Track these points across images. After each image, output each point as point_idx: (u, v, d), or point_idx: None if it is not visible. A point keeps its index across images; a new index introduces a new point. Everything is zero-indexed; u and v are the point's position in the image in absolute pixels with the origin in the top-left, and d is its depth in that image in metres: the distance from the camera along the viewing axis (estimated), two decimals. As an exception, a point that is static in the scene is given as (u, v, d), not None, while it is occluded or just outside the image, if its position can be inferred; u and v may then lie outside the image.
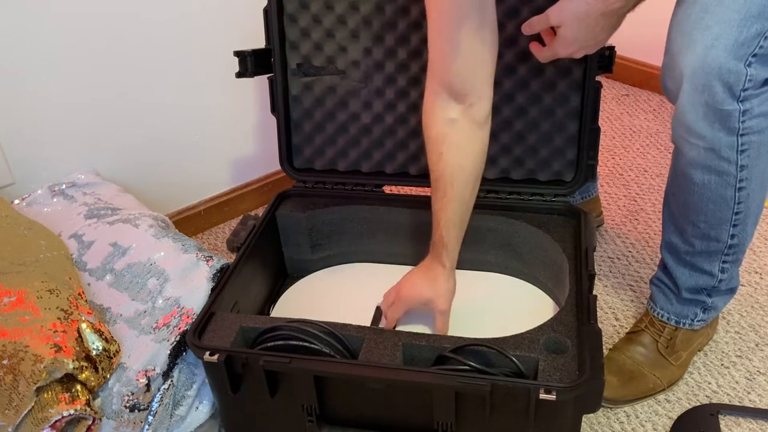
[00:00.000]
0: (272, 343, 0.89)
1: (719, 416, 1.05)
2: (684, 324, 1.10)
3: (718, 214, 0.96)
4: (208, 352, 0.86)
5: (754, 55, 0.83)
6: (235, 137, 1.55)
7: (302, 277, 1.26)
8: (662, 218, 1.07)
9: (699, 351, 1.17)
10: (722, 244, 0.99)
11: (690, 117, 0.88)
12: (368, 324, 1.07)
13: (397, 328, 1.05)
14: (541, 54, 1.01)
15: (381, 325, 1.07)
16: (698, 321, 1.09)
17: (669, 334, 1.10)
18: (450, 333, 1.03)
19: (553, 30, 0.97)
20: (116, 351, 0.92)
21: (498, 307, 1.13)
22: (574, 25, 0.92)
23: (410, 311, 1.06)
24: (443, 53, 0.91)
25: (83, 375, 0.86)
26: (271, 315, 1.14)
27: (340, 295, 1.19)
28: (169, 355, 0.92)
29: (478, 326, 1.05)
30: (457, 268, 1.14)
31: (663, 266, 1.09)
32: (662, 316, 1.11)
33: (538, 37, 1.02)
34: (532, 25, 0.98)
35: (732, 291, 1.09)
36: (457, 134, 0.94)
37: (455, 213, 0.98)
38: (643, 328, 1.13)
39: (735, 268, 1.04)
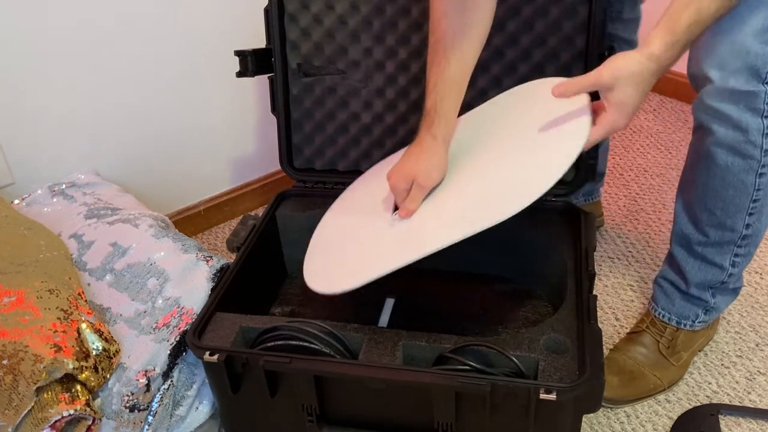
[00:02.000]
0: (272, 343, 0.89)
1: (719, 416, 1.05)
2: (685, 325, 1.10)
3: (736, 201, 0.96)
4: (208, 352, 0.86)
5: None
6: (235, 137, 1.55)
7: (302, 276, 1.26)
8: (674, 211, 1.06)
9: (699, 351, 1.17)
10: (736, 234, 0.99)
11: (716, 101, 0.89)
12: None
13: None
14: (594, 136, 0.86)
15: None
16: (699, 322, 1.10)
17: (670, 335, 1.10)
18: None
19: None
20: (116, 351, 0.92)
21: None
22: (629, 86, 0.82)
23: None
24: None
25: (83, 375, 0.86)
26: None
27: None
28: (169, 355, 0.92)
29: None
30: (455, 269, 1.13)
31: (670, 262, 1.09)
32: (663, 316, 1.11)
33: None
34: (570, 87, 0.86)
35: (735, 291, 1.09)
36: None
37: (453, 77, 0.92)
38: (644, 329, 1.13)
39: (745, 263, 1.04)
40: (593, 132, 0.86)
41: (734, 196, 0.96)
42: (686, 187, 1.03)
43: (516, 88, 1.05)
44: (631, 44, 1.22)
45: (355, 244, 1.00)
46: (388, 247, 0.95)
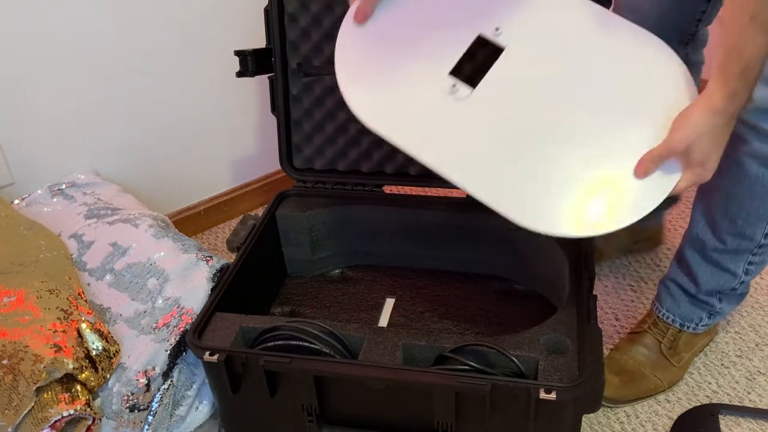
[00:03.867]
0: (272, 343, 0.89)
1: (719, 416, 1.05)
2: (688, 327, 1.10)
3: (760, 212, 0.95)
4: (208, 352, 0.86)
5: None
6: (235, 137, 1.55)
7: (303, 277, 1.26)
8: (691, 214, 1.05)
9: (699, 352, 1.17)
10: (754, 243, 0.98)
11: (754, 117, 0.87)
12: None
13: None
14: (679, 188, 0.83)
15: None
16: (702, 325, 1.10)
17: (672, 336, 1.10)
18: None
19: None
20: (116, 351, 0.92)
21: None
22: (706, 145, 0.78)
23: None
24: None
25: (83, 375, 0.86)
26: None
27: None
28: (169, 355, 0.92)
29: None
30: (455, 269, 1.12)
31: (680, 265, 1.08)
32: (667, 317, 1.11)
33: None
34: (651, 165, 0.81)
35: (742, 297, 1.09)
36: None
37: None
38: (646, 329, 1.13)
39: (758, 270, 1.03)
40: (678, 187, 0.82)
41: (759, 207, 0.95)
42: (707, 191, 1.01)
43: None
44: None
45: (410, 96, 0.90)
46: (452, 144, 0.86)
